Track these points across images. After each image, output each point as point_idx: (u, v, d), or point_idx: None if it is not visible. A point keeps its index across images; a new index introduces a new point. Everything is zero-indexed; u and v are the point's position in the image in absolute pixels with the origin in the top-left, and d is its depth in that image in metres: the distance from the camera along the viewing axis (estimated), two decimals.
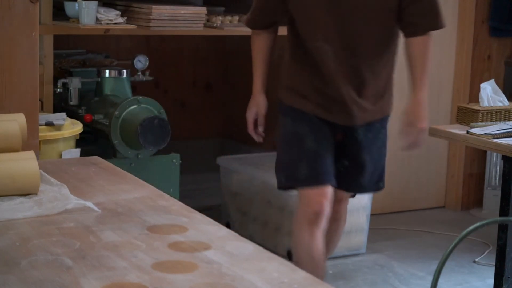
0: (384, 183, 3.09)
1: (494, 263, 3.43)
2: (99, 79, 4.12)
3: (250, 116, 3.28)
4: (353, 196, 3.15)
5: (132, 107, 3.78)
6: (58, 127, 3.41)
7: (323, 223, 2.89)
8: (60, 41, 4.27)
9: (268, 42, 3.11)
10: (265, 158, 4.57)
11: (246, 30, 4.19)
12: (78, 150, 3.48)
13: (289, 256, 4.06)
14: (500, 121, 3.64)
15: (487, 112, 3.66)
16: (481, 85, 3.79)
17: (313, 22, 2.87)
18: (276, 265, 1.44)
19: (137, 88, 4.72)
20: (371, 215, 4.32)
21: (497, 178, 5.01)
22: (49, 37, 3.83)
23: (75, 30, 3.84)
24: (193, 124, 5.50)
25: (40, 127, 2.89)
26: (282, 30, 4.34)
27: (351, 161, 2.99)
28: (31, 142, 2.21)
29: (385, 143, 3.07)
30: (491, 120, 3.64)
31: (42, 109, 3.68)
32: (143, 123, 3.66)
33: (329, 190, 2.89)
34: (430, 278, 3.98)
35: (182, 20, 3.90)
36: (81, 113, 3.95)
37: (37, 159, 1.85)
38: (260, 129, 3.23)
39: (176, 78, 5.41)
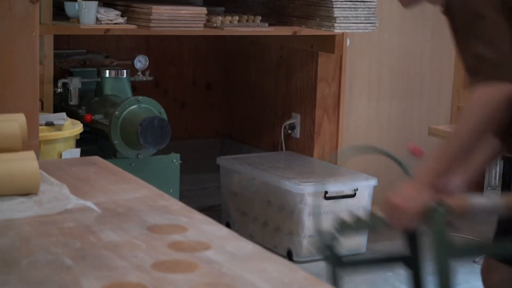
0: None
1: None
2: (99, 79, 4.12)
3: None
4: None
5: (132, 107, 3.79)
6: (58, 127, 3.42)
7: None
8: (60, 41, 4.27)
9: None
10: (265, 158, 4.58)
11: (246, 30, 4.21)
12: (78, 150, 3.48)
13: (289, 256, 4.06)
14: None
15: None
16: None
17: None
18: (276, 265, 1.44)
19: (137, 88, 4.72)
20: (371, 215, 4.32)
21: (497, 178, 5.01)
22: (49, 37, 3.83)
23: (75, 30, 3.84)
24: (193, 124, 5.50)
25: (40, 127, 2.89)
26: (286, 30, 4.36)
27: None
28: (31, 142, 2.21)
29: None
30: None
31: (42, 109, 3.68)
32: (143, 123, 3.66)
33: None
34: (430, 278, 3.98)
35: (182, 20, 3.90)
36: (81, 113, 3.95)
37: (37, 159, 1.85)
38: None
39: (176, 78, 5.42)
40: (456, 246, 2.07)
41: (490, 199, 2.18)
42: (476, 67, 2.07)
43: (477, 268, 4.16)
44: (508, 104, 2.01)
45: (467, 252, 2.35)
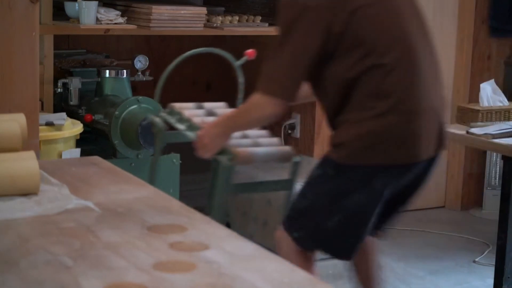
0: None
1: (494, 263, 3.44)
2: (99, 79, 4.12)
3: None
4: None
5: (132, 107, 3.79)
6: (58, 127, 3.42)
7: None
8: (60, 41, 4.27)
9: None
10: None
11: (246, 30, 4.20)
12: (78, 150, 3.48)
13: None
14: (500, 121, 3.65)
15: (487, 112, 3.66)
16: (481, 85, 3.79)
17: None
18: (276, 265, 1.44)
19: (137, 88, 4.72)
20: None
21: (497, 178, 5.01)
22: (49, 37, 3.83)
23: (75, 30, 3.84)
24: None
25: (40, 127, 2.90)
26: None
27: None
28: (31, 142, 2.22)
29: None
30: (491, 120, 3.64)
31: (42, 109, 3.68)
32: (143, 123, 3.66)
33: None
34: (430, 278, 3.99)
35: (182, 20, 3.90)
36: (81, 113, 3.95)
37: (37, 159, 1.85)
38: None
39: (176, 78, 5.41)
40: (233, 183, 2.78)
41: (268, 149, 2.80)
42: (262, 75, 2.51)
43: (477, 268, 4.17)
44: (274, 117, 2.52)
45: (241, 188, 3.22)
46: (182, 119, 2.92)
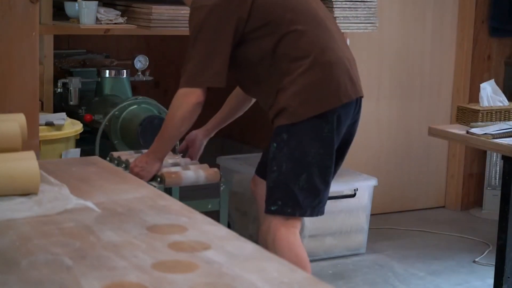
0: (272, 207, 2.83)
1: (494, 263, 3.44)
2: (99, 79, 4.12)
3: None
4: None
5: (132, 107, 3.79)
6: (58, 127, 3.42)
7: None
8: (60, 41, 4.27)
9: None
10: None
11: None
12: (78, 150, 3.48)
13: None
14: (500, 121, 3.65)
15: (487, 112, 3.66)
16: (481, 85, 3.79)
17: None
18: (276, 265, 1.44)
19: (137, 88, 4.72)
20: (371, 215, 4.32)
21: (497, 178, 5.01)
22: (49, 37, 3.83)
23: (75, 30, 3.84)
24: (193, 124, 5.49)
25: (40, 127, 2.89)
26: None
27: None
28: (31, 142, 2.21)
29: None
30: (491, 120, 3.64)
31: (42, 109, 3.68)
32: (143, 123, 3.66)
33: None
34: (430, 278, 3.99)
35: (182, 20, 3.90)
36: (81, 113, 3.95)
37: (37, 159, 1.85)
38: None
39: (176, 78, 5.40)
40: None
41: (196, 172, 3.07)
42: (182, 73, 2.80)
43: (477, 268, 4.17)
44: (199, 105, 2.81)
45: None
46: (120, 162, 3.20)
